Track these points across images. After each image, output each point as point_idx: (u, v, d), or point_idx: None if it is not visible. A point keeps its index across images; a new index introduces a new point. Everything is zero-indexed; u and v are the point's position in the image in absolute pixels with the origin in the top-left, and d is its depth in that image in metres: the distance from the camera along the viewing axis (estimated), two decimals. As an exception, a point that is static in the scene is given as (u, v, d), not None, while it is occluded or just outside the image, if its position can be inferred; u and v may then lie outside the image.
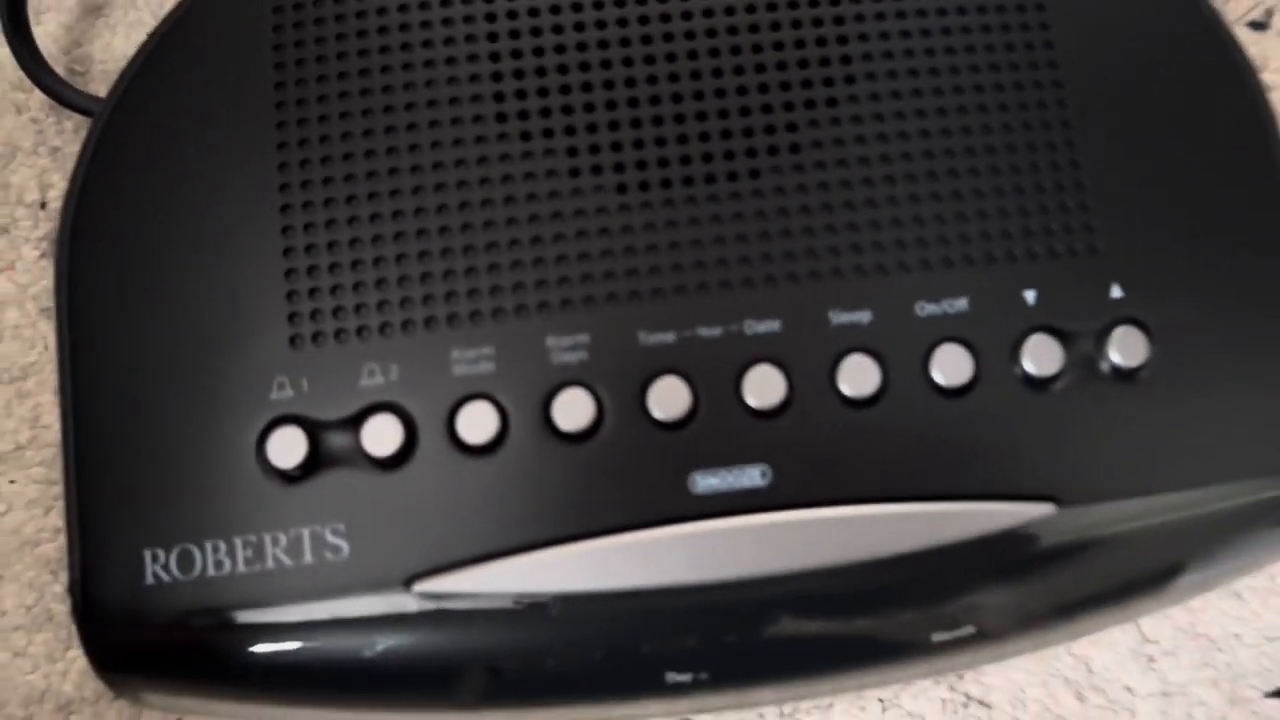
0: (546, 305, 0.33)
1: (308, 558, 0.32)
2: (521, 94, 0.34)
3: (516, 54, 0.35)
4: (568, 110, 0.34)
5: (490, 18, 0.35)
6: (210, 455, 0.32)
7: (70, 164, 0.40)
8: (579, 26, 0.35)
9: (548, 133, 0.34)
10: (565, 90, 0.34)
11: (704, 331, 0.33)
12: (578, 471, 0.32)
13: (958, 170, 0.34)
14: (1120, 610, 0.35)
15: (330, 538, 0.32)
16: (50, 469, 0.40)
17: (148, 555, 0.32)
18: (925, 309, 0.33)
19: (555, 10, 0.35)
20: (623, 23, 0.35)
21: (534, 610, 0.32)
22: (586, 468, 0.32)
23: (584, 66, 0.34)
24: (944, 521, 0.32)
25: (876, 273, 0.33)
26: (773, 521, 0.32)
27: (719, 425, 0.32)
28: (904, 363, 0.33)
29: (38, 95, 0.41)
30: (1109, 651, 0.40)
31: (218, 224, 0.34)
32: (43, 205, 0.42)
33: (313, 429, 0.32)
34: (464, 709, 0.33)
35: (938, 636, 0.33)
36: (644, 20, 0.35)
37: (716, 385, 0.32)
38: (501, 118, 0.34)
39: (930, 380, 0.33)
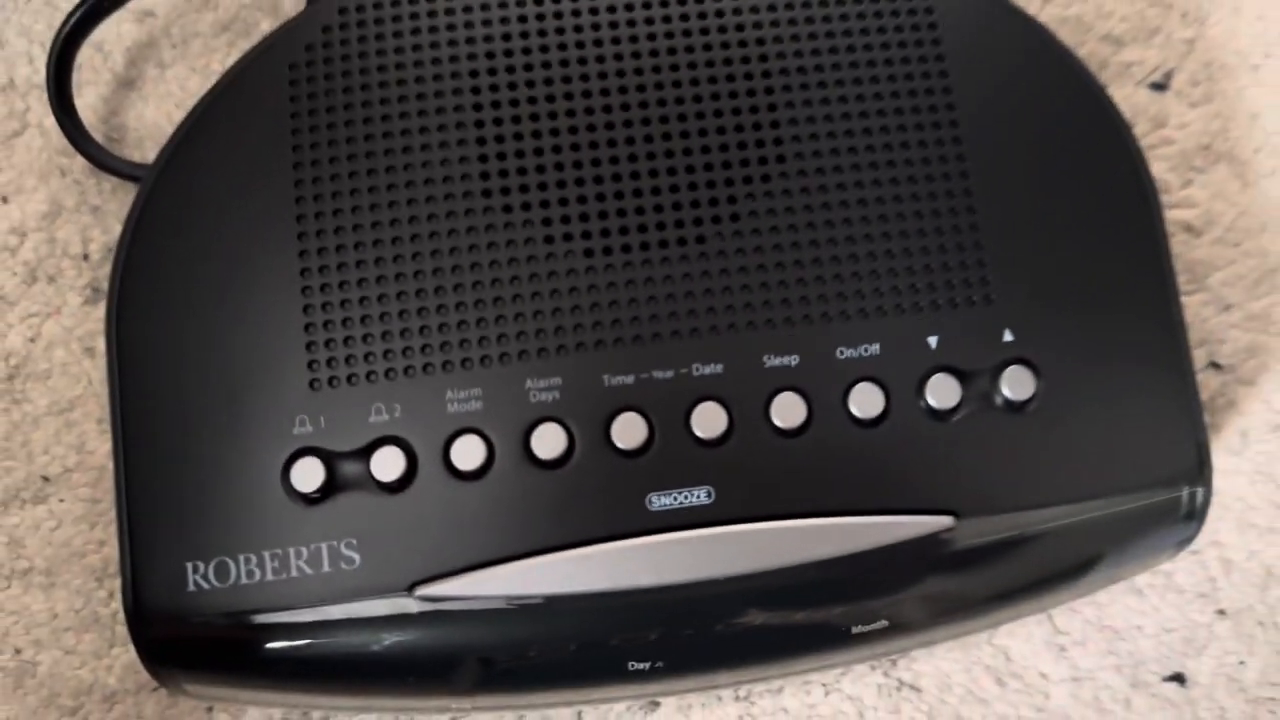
0: (526, 353, 0.34)
1: (325, 567, 0.33)
2: (504, 173, 0.35)
3: (500, 139, 0.36)
4: (543, 188, 0.35)
5: (477, 107, 0.36)
6: (242, 481, 0.33)
7: (109, 221, 0.42)
8: (554, 131, 0.36)
9: (526, 206, 0.35)
10: (541, 170, 0.35)
11: (658, 374, 0.34)
12: (553, 493, 0.33)
13: (872, 234, 0.35)
14: (1017, 605, 0.37)
15: (344, 550, 0.33)
16: (95, 489, 0.41)
17: (189, 566, 0.33)
18: (844, 353, 0.35)
19: (534, 118, 0.36)
20: (591, 128, 0.36)
21: (519, 610, 0.33)
22: (560, 490, 0.33)
23: (557, 150, 0.36)
24: (860, 532, 0.33)
25: (803, 322, 0.35)
26: (717, 534, 0.33)
27: (671, 453, 0.34)
28: (826, 399, 0.34)
29: (80, 160, 0.43)
30: (1025, 642, 0.41)
31: (246, 283, 0.35)
32: (85, 257, 0.43)
33: (329, 459, 0.33)
34: (460, 695, 0.35)
35: (856, 628, 0.34)
36: (609, 126, 0.36)
37: (669, 419, 0.34)
38: (487, 194, 0.35)
39: (849, 413, 0.34)
